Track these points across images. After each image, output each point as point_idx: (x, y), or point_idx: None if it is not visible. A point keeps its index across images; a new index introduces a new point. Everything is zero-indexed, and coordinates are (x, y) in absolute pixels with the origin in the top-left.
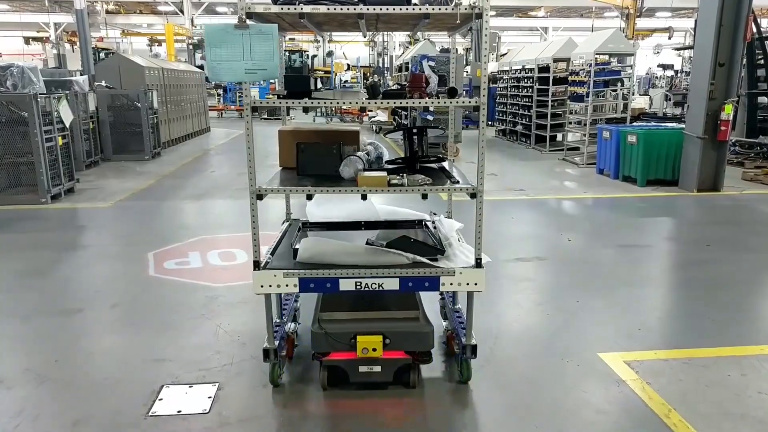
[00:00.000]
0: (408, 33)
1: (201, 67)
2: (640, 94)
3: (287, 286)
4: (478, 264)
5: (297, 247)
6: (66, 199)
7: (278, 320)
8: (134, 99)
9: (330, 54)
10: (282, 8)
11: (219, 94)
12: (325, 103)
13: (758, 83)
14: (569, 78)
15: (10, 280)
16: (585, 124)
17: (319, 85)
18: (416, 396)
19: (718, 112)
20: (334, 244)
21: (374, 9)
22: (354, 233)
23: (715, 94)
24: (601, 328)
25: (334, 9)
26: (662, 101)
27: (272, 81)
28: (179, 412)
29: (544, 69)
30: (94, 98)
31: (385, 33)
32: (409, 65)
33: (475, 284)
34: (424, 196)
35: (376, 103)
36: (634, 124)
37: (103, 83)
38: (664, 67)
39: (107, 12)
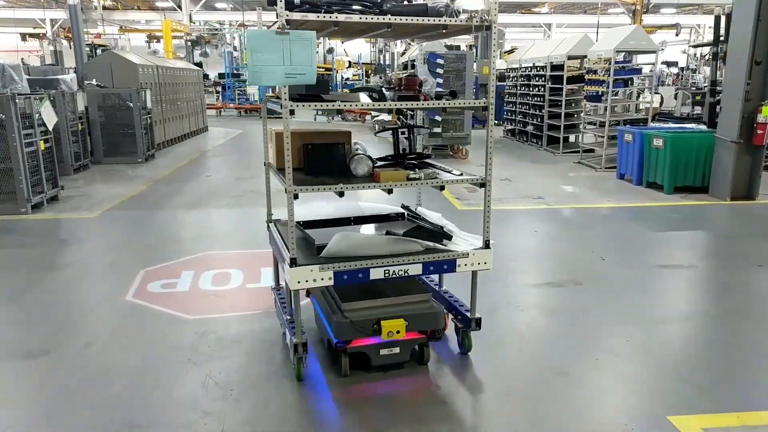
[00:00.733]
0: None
1: (199, 64)
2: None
3: (322, 279)
4: (487, 245)
5: (318, 245)
6: (48, 208)
7: (289, 317)
8: (126, 98)
9: (331, 51)
10: (318, 16)
11: (218, 92)
12: (345, 105)
13: None
14: (586, 77)
15: None
16: (603, 125)
17: None
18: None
19: (755, 114)
20: (360, 237)
21: (402, 19)
22: (349, 229)
23: (751, 95)
24: (663, 380)
25: (367, 18)
26: (681, 100)
27: None
28: None
29: (557, 67)
30: (83, 98)
31: None
32: (416, 63)
33: (485, 263)
34: (387, 191)
35: (386, 105)
36: (653, 125)
37: (94, 82)
38: (669, 64)
39: (104, 8)
